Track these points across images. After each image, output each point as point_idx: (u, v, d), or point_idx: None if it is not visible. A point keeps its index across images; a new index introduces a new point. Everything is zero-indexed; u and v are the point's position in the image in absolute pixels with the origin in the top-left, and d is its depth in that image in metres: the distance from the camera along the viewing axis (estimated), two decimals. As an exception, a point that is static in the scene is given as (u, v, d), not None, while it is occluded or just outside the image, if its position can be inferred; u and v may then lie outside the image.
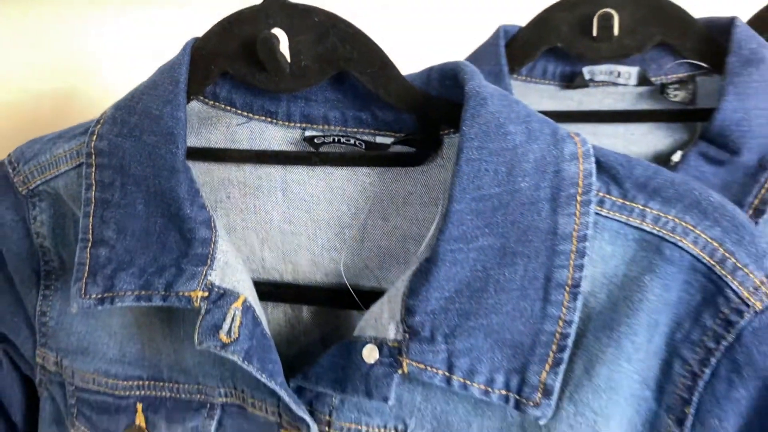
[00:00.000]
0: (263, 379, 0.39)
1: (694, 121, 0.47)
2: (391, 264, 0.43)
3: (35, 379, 0.52)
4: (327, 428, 0.43)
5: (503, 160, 0.34)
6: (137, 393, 0.48)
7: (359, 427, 0.42)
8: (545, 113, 0.49)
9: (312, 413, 0.43)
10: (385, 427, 0.42)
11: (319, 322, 0.46)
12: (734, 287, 0.33)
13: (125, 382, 0.48)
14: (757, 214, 0.45)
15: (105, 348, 0.48)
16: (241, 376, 0.45)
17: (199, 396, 0.47)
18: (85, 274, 0.43)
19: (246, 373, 0.45)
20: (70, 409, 0.50)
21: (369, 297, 0.42)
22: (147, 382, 0.48)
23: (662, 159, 0.48)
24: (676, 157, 0.46)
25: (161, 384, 0.48)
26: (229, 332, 0.39)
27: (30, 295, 0.50)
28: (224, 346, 0.39)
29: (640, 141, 0.49)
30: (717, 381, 0.34)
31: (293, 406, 0.40)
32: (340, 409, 0.42)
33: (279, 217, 0.44)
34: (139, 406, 0.48)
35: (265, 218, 0.45)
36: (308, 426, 0.41)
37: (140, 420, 0.48)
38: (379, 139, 0.41)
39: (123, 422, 0.48)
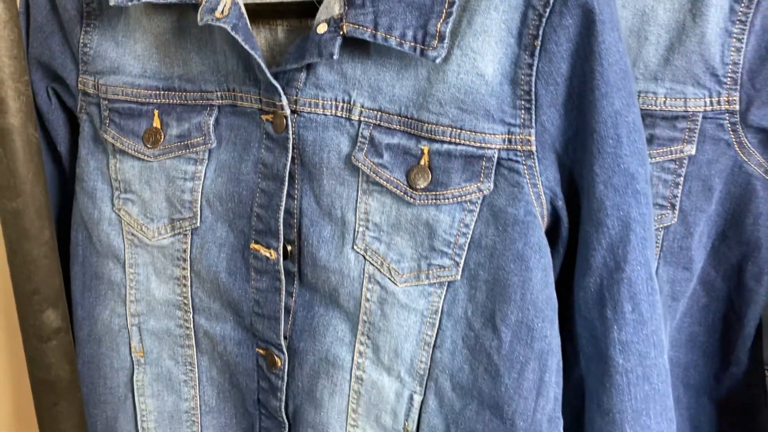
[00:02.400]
0: (247, 47, 0.55)
1: None
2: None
3: (76, 110, 0.68)
4: (294, 105, 0.58)
5: None
6: (155, 101, 0.64)
7: (317, 100, 0.58)
8: None
9: (285, 96, 0.58)
10: (335, 98, 0.57)
11: (293, 40, 0.62)
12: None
13: (146, 91, 0.64)
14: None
15: (131, 68, 0.64)
16: (234, 76, 0.61)
17: (201, 101, 0.63)
18: None
19: (236, 72, 0.60)
20: (104, 120, 0.66)
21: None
22: (162, 92, 0.63)
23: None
24: None
25: (173, 93, 0.63)
26: (222, 11, 0.55)
27: (75, 32, 0.66)
28: (218, 19, 0.55)
29: None
30: (553, 15, 0.49)
31: (266, 72, 0.56)
32: (303, 88, 0.58)
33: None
34: (156, 112, 0.64)
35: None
36: (280, 95, 0.57)
37: (157, 122, 0.64)
38: None
39: (144, 125, 0.64)
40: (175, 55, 0.62)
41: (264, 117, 0.59)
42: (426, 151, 0.54)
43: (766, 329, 0.70)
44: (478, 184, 0.53)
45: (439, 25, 0.51)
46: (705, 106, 0.61)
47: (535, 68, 0.50)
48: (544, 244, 0.53)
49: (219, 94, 0.62)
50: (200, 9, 0.56)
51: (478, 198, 0.54)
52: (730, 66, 0.60)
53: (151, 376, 0.69)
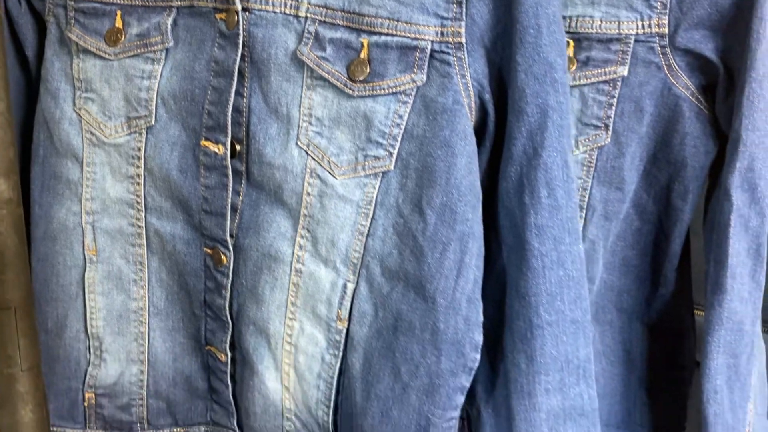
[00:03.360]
0: None
1: None
2: None
3: (44, 13, 0.71)
4: (246, 2, 0.61)
5: None
6: (118, 2, 0.67)
7: (266, 8, 0.61)
8: None
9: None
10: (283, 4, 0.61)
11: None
12: None
13: None
14: None
15: (97, -31, 0.67)
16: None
17: (162, 2, 0.66)
18: None
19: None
20: (69, 20, 0.69)
21: None
22: (125, -8, 0.67)
23: None
24: None
25: None
26: None
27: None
28: None
29: None
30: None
31: None
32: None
33: None
34: (119, 12, 0.67)
35: None
36: None
37: (119, 23, 0.67)
38: None
39: (106, 24, 0.67)
40: None
41: (218, 16, 0.63)
42: (366, 44, 0.57)
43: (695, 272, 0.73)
44: (412, 75, 0.56)
45: None
46: (637, 29, 0.65)
47: None
48: (469, 132, 0.56)
49: None
50: None
51: (412, 89, 0.57)
52: (661, -10, 0.64)
53: (102, 273, 0.72)
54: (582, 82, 0.66)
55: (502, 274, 0.59)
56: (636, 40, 0.65)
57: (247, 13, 0.61)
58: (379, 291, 0.60)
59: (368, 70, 0.57)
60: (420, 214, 0.57)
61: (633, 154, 0.68)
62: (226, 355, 0.70)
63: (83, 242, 0.72)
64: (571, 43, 0.66)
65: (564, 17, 0.65)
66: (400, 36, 0.56)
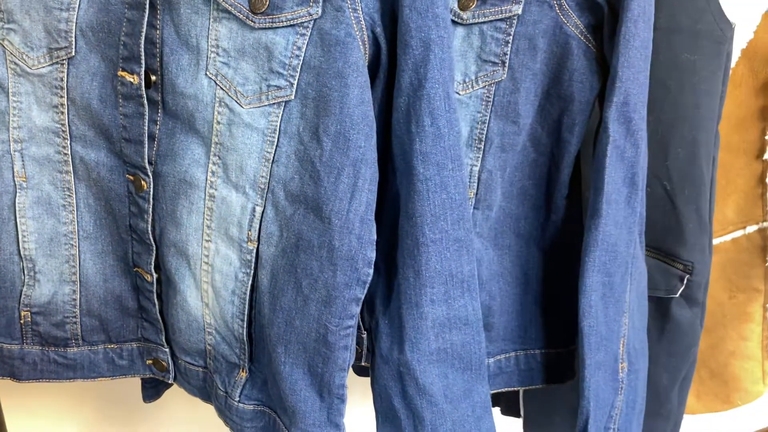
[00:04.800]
0: None
1: None
2: None
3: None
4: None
5: None
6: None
7: None
8: None
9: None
10: None
11: None
12: None
13: None
14: None
15: None
16: None
17: None
18: None
19: None
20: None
21: None
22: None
23: None
24: None
25: None
26: None
27: None
28: None
29: None
30: None
31: None
32: None
33: None
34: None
35: None
36: None
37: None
38: None
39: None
40: None
41: None
42: None
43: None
44: (308, 9, 0.60)
45: None
46: (532, -32, 0.69)
47: None
48: (361, 64, 0.60)
49: None
50: None
51: (309, 22, 0.61)
52: (552, -68, 0.67)
53: (32, 199, 0.76)
54: (481, 20, 0.71)
55: (396, 198, 0.64)
56: (531, -19, 0.69)
57: (158, -50, 0.64)
58: (284, 213, 0.65)
59: (267, 2, 0.61)
60: (317, 141, 0.62)
61: (527, 89, 0.73)
62: (152, 275, 0.75)
63: (12, 169, 0.75)
64: (471, -20, 0.70)
65: (465, -44, 0.69)
66: None
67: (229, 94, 0.65)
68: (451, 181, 0.61)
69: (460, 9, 0.68)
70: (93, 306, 0.79)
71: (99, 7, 0.68)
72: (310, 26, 0.61)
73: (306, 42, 0.61)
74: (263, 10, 0.61)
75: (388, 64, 0.62)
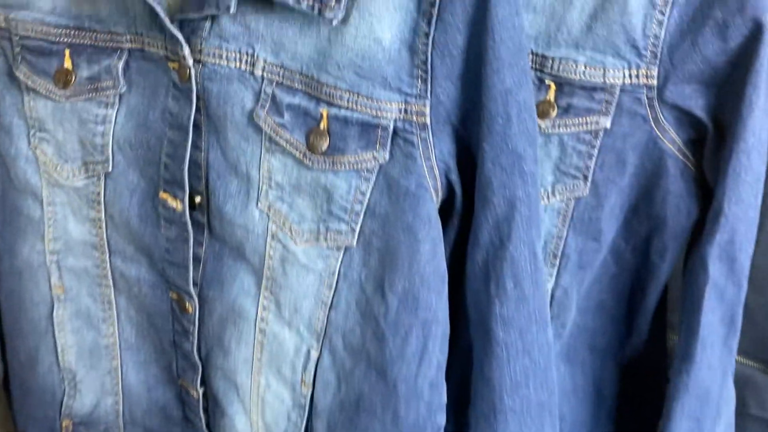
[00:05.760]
0: None
1: None
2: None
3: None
4: (199, 55, 0.57)
5: None
6: (65, 40, 0.62)
7: (221, 51, 0.57)
8: None
9: (189, 44, 0.57)
10: (239, 50, 0.56)
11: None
12: None
13: (56, 30, 0.62)
14: None
15: (41, 3, 0.62)
16: (141, 21, 0.59)
17: (111, 42, 0.61)
18: None
19: (143, 17, 0.58)
20: (16, 57, 0.64)
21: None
22: (73, 31, 0.62)
23: None
24: None
25: (83, 33, 0.62)
26: None
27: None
28: None
29: None
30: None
31: (167, 24, 0.54)
32: (207, 38, 0.56)
33: None
34: (67, 51, 0.62)
35: None
36: (181, 45, 0.55)
37: (68, 63, 0.63)
38: None
39: (54, 64, 0.63)
40: None
41: (171, 65, 0.58)
42: (325, 115, 0.53)
43: (671, 295, 0.71)
44: (374, 153, 0.53)
45: None
46: (623, 78, 0.60)
47: (431, 38, 0.49)
48: (434, 217, 0.53)
49: (128, 37, 0.60)
50: None
51: (374, 167, 0.53)
52: (651, 39, 0.58)
53: (71, 312, 0.71)
54: (562, 130, 0.62)
55: (468, 351, 0.58)
56: (622, 90, 0.60)
57: (200, 66, 0.57)
58: (342, 365, 0.59)
59: (328, 142, 0.54)
60: (382, 296, 0.55)
61: (613, 205, 0.65)
62: (198, 392, 0.70)
63: (49, 280, 0.70)
64: (552, 86, 0.62)
65: (546, 57, 0.60)
66: (360, 112, 0.52)
67: (283, 230, 0.58)
68: (535, 346, 0.54)
69: (539, 117, 0.60)
70: (137, 416, 0.75)
71: (138, 123, 0.62)
72: (376, 171, 0.54)
73: (371, 187, 0.54)
74: (323, 150, 0.54)
75: (463, 209, 0.55)
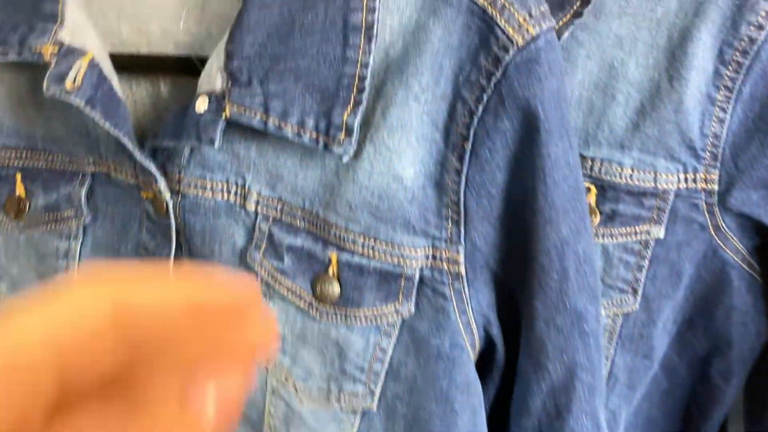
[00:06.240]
0: (106, 126, 0.43)
1: None
2: (233, 32, 0.46)
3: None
4: (177, 186, 0.47)
5: None
6: (16, 163, 0.52)
7: (204, 182, 0.47)
8: None
9: (165, 174, 0.47)
10: (227, 181, 0.47)
11: (178, 96, 0.50)
12: (502, 25, 0.37)
13: (4, 151, 0.52)
14: (584, 3, 0.48)
15: (-15, 122, 0.52)
16: (105, 144, 0.49)
17: (71, 165, 0.51)
18: None
19: (107, 140, 0.49)
20: (-41, 181, 0.54)
21: (213, 64, 0.46)
22: (24, 152, 0.52)
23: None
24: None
25: (37, 153, 0.52)
26: (74, 80, 0.43)
27: None
28: (68, 92, 0.43)
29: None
30: (487, 115, 0.38)
31: (137, 156, 0.44)
32: (187, 167, 0.47)
33: (131, -12, 0.47)
34: (18, 176, 0.52)
35: (119, -10, 0.47)
36: (156, 179, 0.46)
37: (20, 189, 0.53)
38: None
39: (5, 191, 0.53)
40: (36, 114, 0.50)
41: (143, 194, 0.48)
42: (334, 260, 0.44)
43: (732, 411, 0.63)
44: (396, 305, 0.43)
45: (345, 116, 0.40)
46: (678, 182, 0.51)
47: (464, 175, 0.40)
48: (473, 381, 0.44)
49: (91, 159, 0.50)
50: (48, 73, 0.44)
51: (396, 321, 0.44)
52: (711, 138, 0.50)
53: None
54: (606, 240, 0.54)
55: None
56: (676, 195, 0.52)
57: (179, 197, 0.47)
58: None
59: (338, 292, 0.44)
60: (411, 472, 0.46)
61: (666, 320, 0.56)
62: None
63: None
64: (593, 189, 0.53)
65: (584, 157, 0.52)
66: (378, 259, 0.43)
67: (285, 386, 0.49)
68: None
69: (578, 225, 0.51)
70: None
71: (107, 258, 0.52)
72: (398, 325, 0.44)
73: (393, 344, 0.45)
74: (333, 300, 0.44)
75: (506, 366, 0.45)
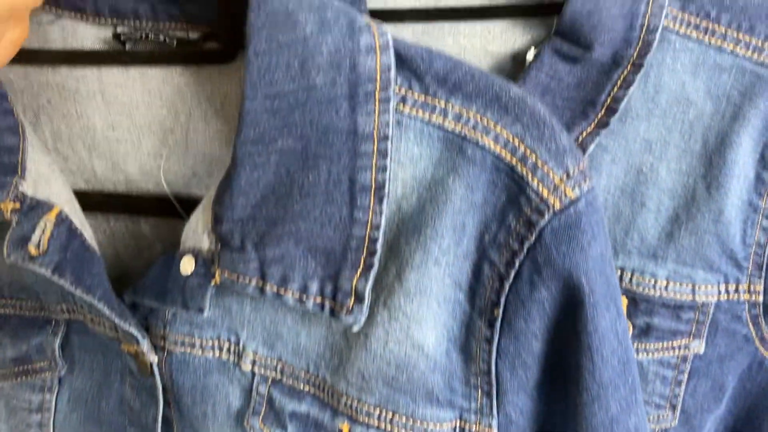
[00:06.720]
0: (78, 292, 0.38)
1: (550, 15, 0.44)
2: (219, 170, 0.40)
3: None
4: (162, 342, 0.42)
5: (294, 52, 0.32)
6: (-20, 311, 0.46)
7: (193, 340, 0.41)
8: (401, 11, 0.46)
9: (147, 328, 0.41)
10: (218, 338, 0.41)
11: (159, 235, 0.44)
12: (534, 186, 0.32)
13: None
14: (610, 113, 0.43)
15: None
16: (79, 297, 0.43)
17: (42, 313, 0.45)
18: None
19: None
20: None
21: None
22: (-13, 299, 0.46)
23: (520, 58, 0.46)
24: (530, 55, 0.44)
25: (3, 301, 0.46)
26: (38, 245, 0.37)
27: None
28: (32, 258, 0.37)
29: (498, 39, 0.46)
30: (521, 282, 0.33)
31: (116, 320, 0.39)
32: (172, 323, 0.41)
33: (102, 123, 0.41)
34: (-17, 326, 0.47)
35: (89, 124, 0.42)
36: (138, 340, 0.40)
37: (-15, 341, 0.47)
38: (192, 35, 0.38)
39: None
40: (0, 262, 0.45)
41: (125, 347, 0.43)
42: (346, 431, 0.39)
43: None
44: None
45: (355, 280, 0.34)
46: (719, 294, 0.46)
47: (495, 344, 0.34)
48: None
49: (64, 306, 0.44)
50: (8, 236, 0.38)
51: None
52: (754, 248, 0.45)
53: None
54: (641, 356, 0.49)
55: None
56: (717, 307, 0.47)
57: (165, 353, 0.42)
58: None
59: None
60: None
61: (708, 433, 0.51)
62: None
63: None
64: (624, 301, 0.48)
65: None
66: None
67: None
68: None
69: (608, 340, 0.46)
70: None
71: (86, 414, 0.46)
72: None
73: None
74: None
75: None
